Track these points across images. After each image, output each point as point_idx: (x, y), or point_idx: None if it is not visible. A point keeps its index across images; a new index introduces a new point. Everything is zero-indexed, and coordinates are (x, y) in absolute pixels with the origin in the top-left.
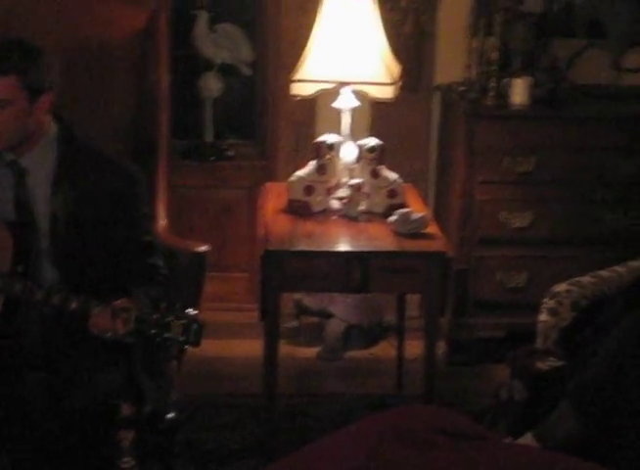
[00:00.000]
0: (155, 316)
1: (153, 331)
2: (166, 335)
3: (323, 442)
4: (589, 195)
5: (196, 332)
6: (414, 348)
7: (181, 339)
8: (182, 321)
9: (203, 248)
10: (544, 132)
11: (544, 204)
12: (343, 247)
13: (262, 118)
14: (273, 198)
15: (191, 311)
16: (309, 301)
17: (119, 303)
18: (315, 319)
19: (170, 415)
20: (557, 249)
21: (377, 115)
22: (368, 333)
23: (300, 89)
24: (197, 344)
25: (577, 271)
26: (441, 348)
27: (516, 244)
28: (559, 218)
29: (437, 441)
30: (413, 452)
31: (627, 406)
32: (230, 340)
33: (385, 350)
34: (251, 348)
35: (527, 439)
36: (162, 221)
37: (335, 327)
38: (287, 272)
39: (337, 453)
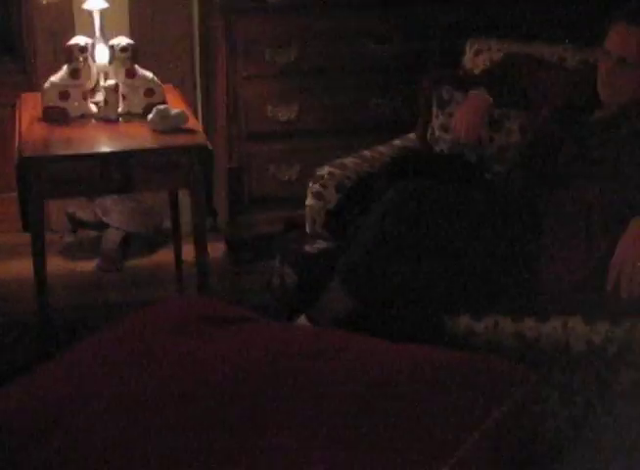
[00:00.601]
0: None
1: None
2: None
3: (93, 340)
4: (352, 82)
5: None
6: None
7: None
8: None
9: None
10: (302, 22)
11: (309, 94)
12: (102, 148)
13: (19, 32)
14: (29, 108)
15: None
16: (83, 213)
17: None
18: (94, 232)
19: None
20: (326, 139)
21: (136, 17)
22: (147, 241)
23: None
24: None
25: None
26: (221, 248)
27: (285, 137)
28: (325, 108)
29: (209, 329)
30: (186, 342)
31: (392, 277)
32: (4, 261)
33: (165, 256)
34: (26, 267)
35: (302, 321)
36: None
37: (111, 237)
38: (46, 179)
39: (109, 349)
